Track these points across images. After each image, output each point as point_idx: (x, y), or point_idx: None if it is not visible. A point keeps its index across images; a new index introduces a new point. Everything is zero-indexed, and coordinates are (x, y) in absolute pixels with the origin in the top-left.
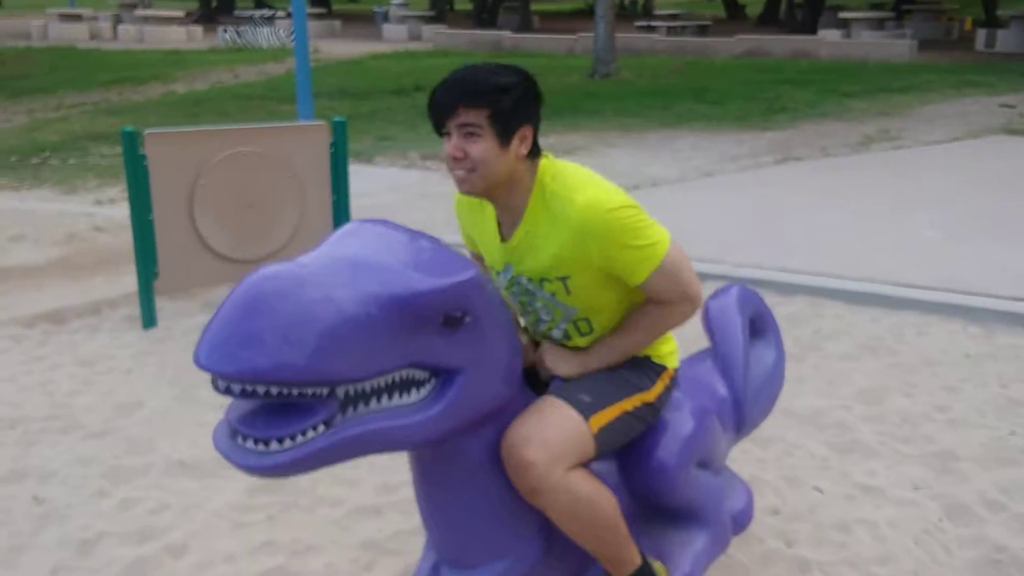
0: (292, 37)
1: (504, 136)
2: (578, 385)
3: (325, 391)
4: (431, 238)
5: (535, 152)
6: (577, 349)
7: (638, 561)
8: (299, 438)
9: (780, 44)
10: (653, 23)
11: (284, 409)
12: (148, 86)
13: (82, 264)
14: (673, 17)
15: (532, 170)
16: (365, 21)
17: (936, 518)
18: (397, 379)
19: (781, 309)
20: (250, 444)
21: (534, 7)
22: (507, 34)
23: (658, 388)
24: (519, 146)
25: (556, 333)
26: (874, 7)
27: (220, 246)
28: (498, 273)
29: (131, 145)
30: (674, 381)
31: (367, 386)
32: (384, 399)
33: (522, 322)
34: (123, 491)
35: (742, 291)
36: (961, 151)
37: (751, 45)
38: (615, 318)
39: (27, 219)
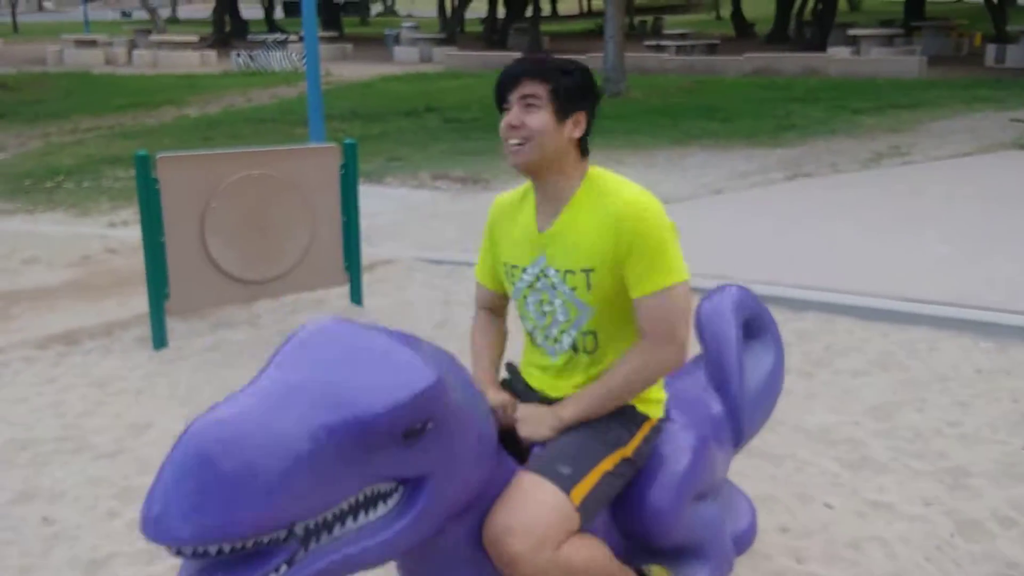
0: (304, 60)
1: (561, 113)
2: (556, 455)
3: (283, 534)
4: (388, 337)
5: (585, 148)
6: (553, 403)
7: None
8: None
9: (789, 62)
10: (662, 42)
11: (243, 556)
12: (162, 110)
13: (95, 286)
14: (682, 36)
15: (581, 166)
16: (376, 44)
17: (948, 534)
18: (361, 498)
19: (792, 325)
20: None
21: (544, 28)
22: (517, 55)
23: (636, 441)
24: (573, 129)
25: (566, 340)
26: (883, 24)
27: (231, 267)
28: (524, 271)
29: (144, 168)
30: (656, 430)
31: (328, 514)
32: (349, 522)
33: (534, 335)
34: (133, 511)
35: (737, 292)
36: (972, 166)
37: (760, 63)
38: (619, 347)
39: (41, 242)
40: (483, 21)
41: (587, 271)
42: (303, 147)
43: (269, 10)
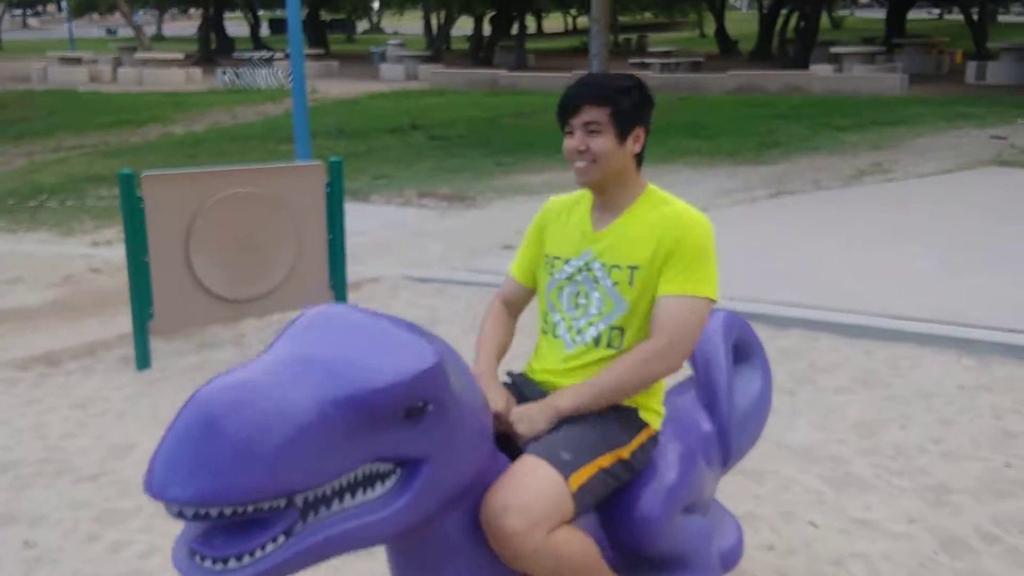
0: (290, 78)
1: (622, 133)
2: (557, 441)
3: (283, 502)
4: (391, 321)
5: (641, 159)
6: (547, 396)
7: None
8: (258, 553)
9: (773, 79)
10: (647, 60)
11: (242, 523)
12: (146, 128)
13: (78, 306)
14: (667, 54)
15: (640, 180)
16: (362, 61)
17: (931, 551)
18: (360, 475)
19: (775, 342)
20: (208, 564)
21: (529, 45)
22: (503, 73)
23: (634, 444)
24: (633, 144)
25: (590, 333)
26: (865, 42)
27: (216, 286)
28: (567, 262)
29: (128, 187)
30: (653, 441)
31: (327, 488)
32: (347, 498)
33: (556, 327)
34: (114, 535)
35: (726, 316)
36: (953, 183)
37: (744, 81)
38: (640, 336)
39: (24, 261)
40: (469, 39)
41: (633, 268)
42: (289, 165)
43: (255, 28)
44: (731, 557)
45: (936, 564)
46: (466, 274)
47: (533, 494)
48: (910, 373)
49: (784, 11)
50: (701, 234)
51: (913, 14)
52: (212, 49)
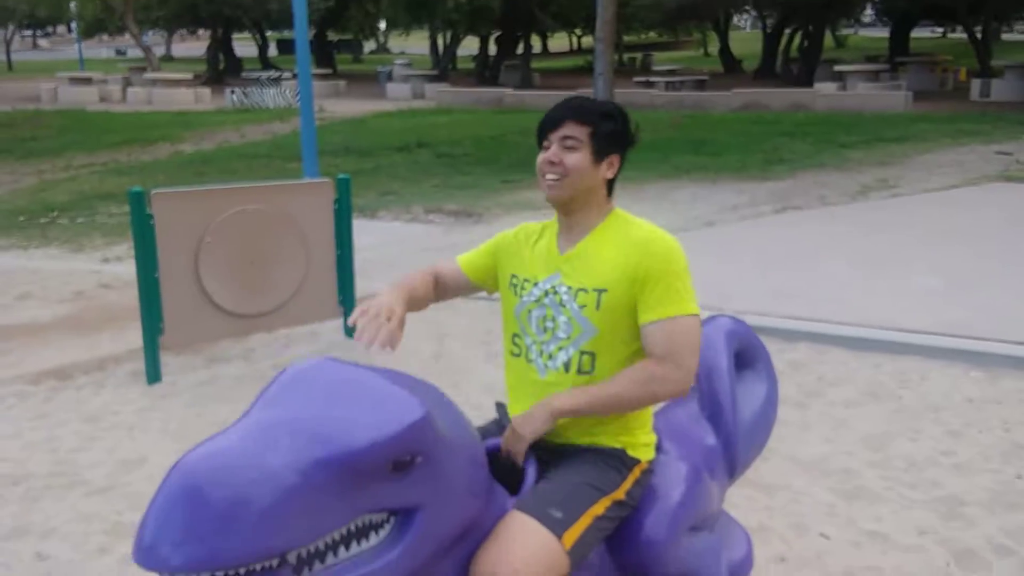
0: (298, 97)
1: (598, 154)
2: (546, 496)
3: (275, 562)
4: (375, 374)
5: (612, 187)
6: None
7: None
8: None
9: (777, 97)
10: (652, 79)
11: None
12: (156, 147)
13: (89, 321)
14: (671, 72)
15: (608, 206)
16: (369, 81)
17: (943, 563)
18: (353, 528)
19: (784, 356)
20: None
21: (535, 65)
22: (508, 91)
23: (627, 484)
24: (607, 170)
25: (560, 357)
26: (869, 60)
27: (225, 302)
28: (535, 285)
29: (138, 204)
30: (647, 474)
31: (320, 543)
32: (341, 551)
33: (529, 351)
34: (125, 547)
35: (728, 322)
36: (959, 198)
37: (748, 98)
38: (615, 369)
39: (35, 277)
40: (475, 58)
41: (600, 291)
42: (297, 182)
43: (263, 48)
44: (741, 569)
45: None
46: None
47: (522, 560)
48: (919, 386)
49: (788, 30)
50: (672, 255)
51: (916, 32)
52: (221, 69)
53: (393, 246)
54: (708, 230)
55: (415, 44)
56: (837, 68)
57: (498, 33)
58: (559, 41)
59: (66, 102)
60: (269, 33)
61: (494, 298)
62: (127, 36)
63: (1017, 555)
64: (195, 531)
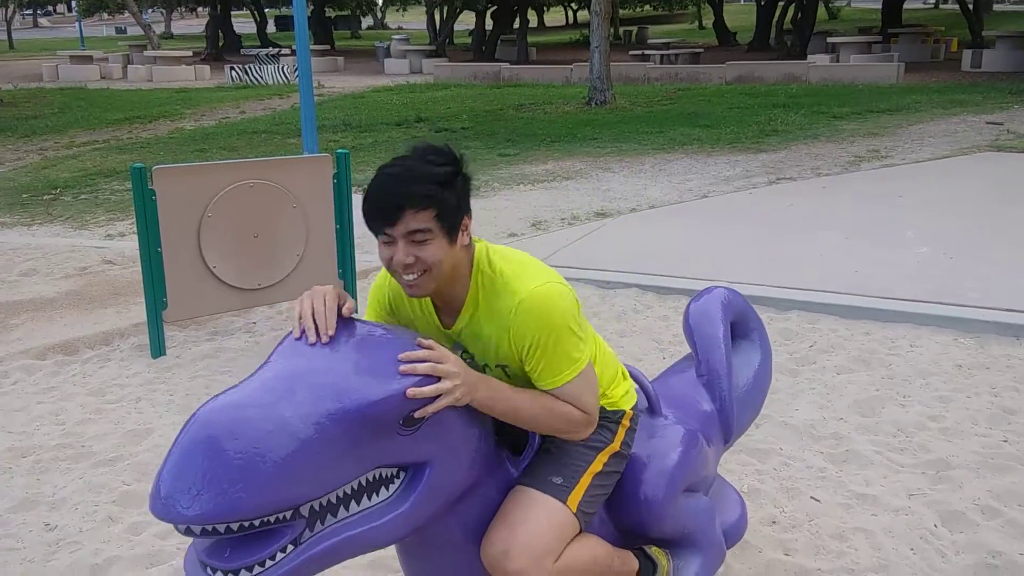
0: (296, 73)
1: (452, 233)
2: (544, 466)
3: (289, 514)
4: (385, 331)
5: (469, 237)
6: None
7: (635, 566)
8: (268, 563)
9: (770, 69)
10: (647, 52)
11: (251, 534)
12: (157, 123)
13: (93, 296)
14: (666, 45)
15: (470, 257)
16: (367, 56)
17: (932, 525)
18: (364, 482)
19: (776, 324)
20: None
21: (531, 39)
22: (505, 66)
23: (620, 435)
24: (463, 237)
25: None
26: (862, 31)
27: (227, 276)
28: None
29: (140, 180)
30: (635, 420)
31: (332, 497)
32: (353, 505)
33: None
34: (132, 516)
35: (723, 292)
36: (950, 168)
37: (742, 70)
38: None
39: (39, 254)
40: (471, 33)
41: (502, 366)
42: (297, 157)
43: (261, 25)
44: (736, 531)
45: (937, 537)
46: None
47: (532, 531)
48: (909, 353)
49: (781, 2)
50: (546, 319)
51: (909, 4)
52: (220, 46)
53: None
54: (702, 202)
55: (412, 20)
56: (830, 40)
57: (494, 8)
58: (556, 15)
59: (67, 80)
60: (267, 10)
61: None
62: (127, 14)
63: (1003, 516)
64: (212, 482)
